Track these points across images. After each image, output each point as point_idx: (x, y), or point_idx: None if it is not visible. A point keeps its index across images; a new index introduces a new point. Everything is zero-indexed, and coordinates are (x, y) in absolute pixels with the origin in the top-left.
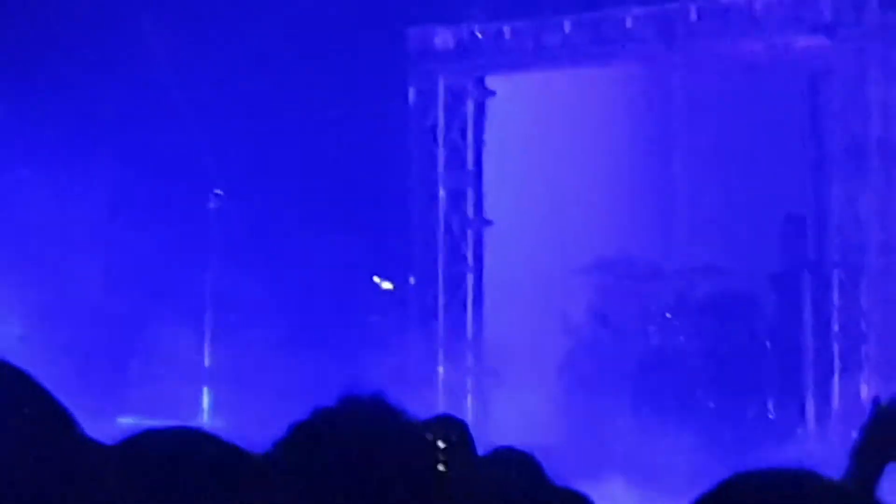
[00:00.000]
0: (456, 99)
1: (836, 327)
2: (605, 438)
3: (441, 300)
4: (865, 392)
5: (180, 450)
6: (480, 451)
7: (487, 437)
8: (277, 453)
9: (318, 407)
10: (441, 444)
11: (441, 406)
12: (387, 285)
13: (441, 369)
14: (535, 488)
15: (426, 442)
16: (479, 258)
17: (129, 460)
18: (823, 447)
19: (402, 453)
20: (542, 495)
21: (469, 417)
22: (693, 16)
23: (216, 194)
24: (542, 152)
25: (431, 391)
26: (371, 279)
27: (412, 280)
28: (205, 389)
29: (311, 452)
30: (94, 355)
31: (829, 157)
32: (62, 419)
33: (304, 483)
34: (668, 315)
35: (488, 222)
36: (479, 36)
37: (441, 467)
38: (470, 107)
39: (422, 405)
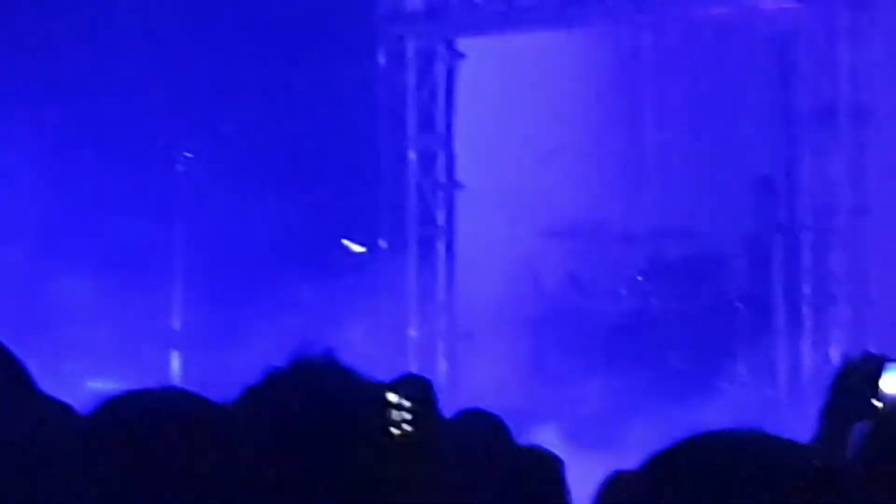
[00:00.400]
0: (426, 62)
1: (806, 290)
2: (576, 401)
3: (412, 263)
4: (836, 354)
5: (152, 409)
6: (449, 413)
7: (459, 400)
8: (234, 415)
9: (271, 367)
10: (405, 404)
11: (413, 369)
12: (357, 248)
13: (412, 332)
14: (501, 450)
15: (385, 402)
16: (450, 221)
17: (102, 422)
18: (794, 409)
19: (359, 413)
20: (508, 457)
21: (441, 381)
22: None
23: (185, 156)
24: (513, 115)
25: (402, 355)
26: (341, 242)
27: (383, 243)
28: (174, 353)
29: (263, 414)
30: (61, 318)
31: (800, 120)
32: (21, 378)
33: (260, 445)
34: (639, 278)
35: (460, 185)
36: None
37: (403, 427)
38: (440, 69)
39: (393, 368)
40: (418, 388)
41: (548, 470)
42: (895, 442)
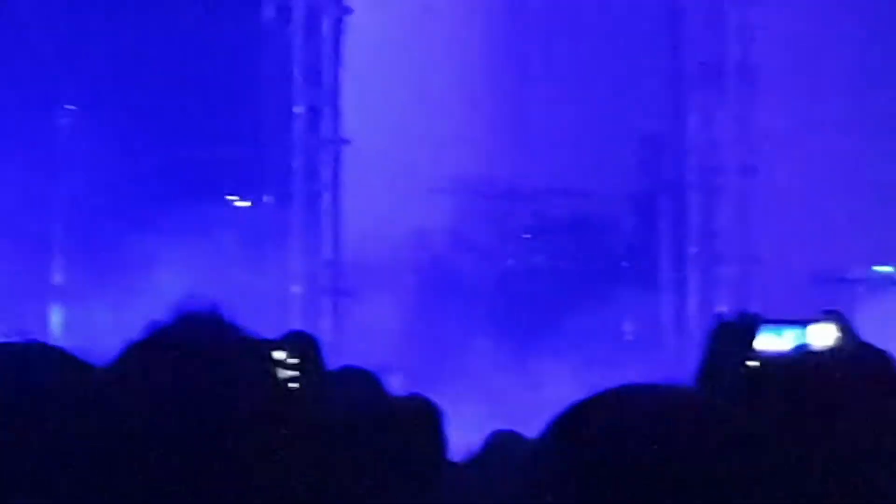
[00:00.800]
0: (313, 15)
1: (692, 249)
2: (461, 357)
3: (297, 219)
4: (722, 313)
5: (24, 364)
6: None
7: (343, 357)
8: (113, 371)
9: (154, 322)
10: (290, 361)
11: (297, 326)
12: (242, 203)
13: (297, 289)
14: (379, 403)
15: (270, 357)
16: (336, 177)
17: None
18: (680, 367)
19: (243, 369)
20: (385, 409)
21: (325, 338)
22: None
23: (67, 109)
24: (400, 70)
25: (286, 311)
26: (225, 198)
27: (268, 199)
28: (54, 307)
29: (147, 370)
30: None
31: (687, 79)
32: None
33: (140, 402)
34: (525, 235)
35: (346, 141)
36: None
37: (288, 384)
38: (327, 24)
39: (276, 325)
40: (304, 346)
41: (427, 419)
42: (768, 400)
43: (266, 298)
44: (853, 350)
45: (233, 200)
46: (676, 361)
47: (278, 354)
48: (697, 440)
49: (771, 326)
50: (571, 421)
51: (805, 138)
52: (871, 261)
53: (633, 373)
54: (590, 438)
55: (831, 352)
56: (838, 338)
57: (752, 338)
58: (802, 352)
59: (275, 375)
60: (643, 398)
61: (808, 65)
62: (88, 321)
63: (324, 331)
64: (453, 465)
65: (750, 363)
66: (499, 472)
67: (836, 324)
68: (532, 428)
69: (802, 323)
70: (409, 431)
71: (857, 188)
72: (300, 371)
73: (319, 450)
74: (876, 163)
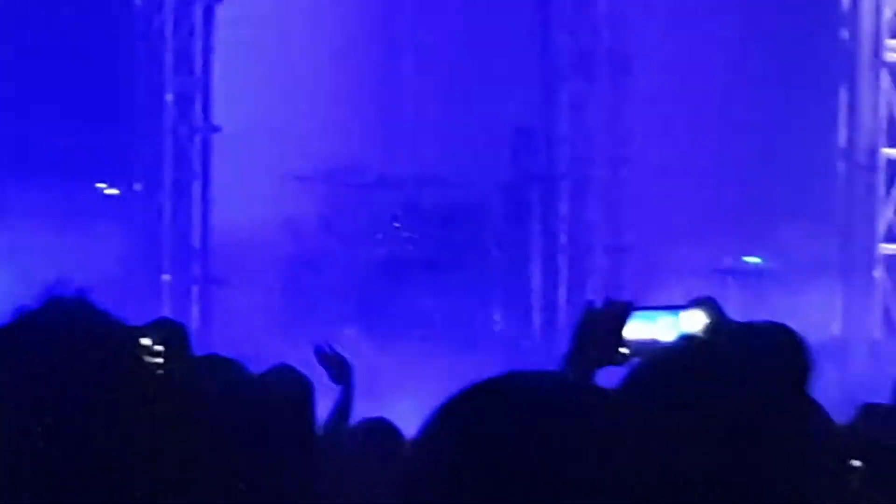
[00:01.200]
0: (184, 3)
1: (563, 238)
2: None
3: (167, 207)
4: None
5: None
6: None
7: (212, 345)
8: None
9: (20, 309)
10: (158, 349)
11: (166, 314)
12: (111, 191)
13: (166, 277)
14: (241, 388)
15: (138, 344)
16: (206, 164)
17: None
18: (549, 356)
19: (111, 356)
20: (248, 393)
21: (194, 325)
22: None
23: None
24: (271, 58)
25: (156, 298)
26: (95, 185)
27: (137, 186)
28: None
29: (13, 356)
30: None
31: (560, 69)
32: None
33: (5, 388)
34: (395, 224)
35: (216, 128)
36: None
37: (156, 371)
38: (198, 11)
39: (146, 312)
40: (170, 333)
41: (296, 392)
42: (642, 388)
43: (135, 285)
44: (733, 332)
45: (102, 188)
46: (545, 349)
47: (145, 341)
48: (578, 432)
49: (644, 313)
50: (450, 416)
51: (677, 131)
52: (741, 251)
53: (503, 360)
54: (468, 435)
55: (714, 335)
56: (711, 324)
57: (622, 325)
58: (680, 338)
59: (142, 362)
60: (520, 390)
61: (680, 57)
62: None
63: (193, 318)
64: (323, 446)
65: (622, 350)
66: (371, 462)
67: (709, 310)
68: (400, 415)
69: (675, 309)
70: (279, 408)
71: (727, 181)
72: (166, 358)
73: (186, 435)
74: (747, 157)
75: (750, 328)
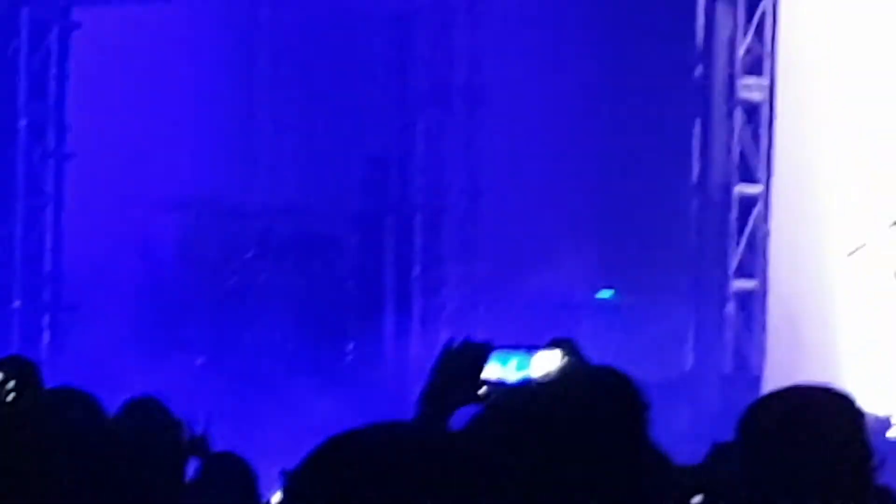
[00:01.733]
0: (39, 29)
1: (417, 270)
2: (183, 374)
3: (18, 233)
4: (444, 337)
5: None
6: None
7: (62, 374)
8: None
9: None
10: (7, 386)
11: (16, 342)
12: None
13: (17, 303)
14: (94, 423)
15: None
16: (59, 191)
17: None
18: (401, 392)
19: None
20: (103, 427)
21: (44, 354)
22: None
23: None
24: (127, 86)
25: (6, 326)
26: None
27: None
28: None
29: None
30: None
31: (415, 100)
32: None
33: None
34: (249, 254)
35: (70, 155)
36: None
37: (4, 405)
38: (54, 37)
39: None
40: (20, 369)
41: (153, 417)
42: (499, 428)
43: None
44: (582, 375)
45: None
46: (397, 384)
47: None
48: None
49: (498, 353)
50: (309, 474)
51: (530, 161)
52: (593, 285)
53: (354, 393)
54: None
55: (556, 380)
56: (565, 364)
57: (481, 366)
58: (525, 382)
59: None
60: (373, 447)
61: (536, 89)
62: None
63: (43, 345)
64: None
65: (479, 392)
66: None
67: (563, 350)
68: (240, 445)
69: (529, 349)
70: (134, 447)
71: (582, 213)
72: (16, 393)
73: (36, 470)
74: (601, 189)
75: (588, 373)
